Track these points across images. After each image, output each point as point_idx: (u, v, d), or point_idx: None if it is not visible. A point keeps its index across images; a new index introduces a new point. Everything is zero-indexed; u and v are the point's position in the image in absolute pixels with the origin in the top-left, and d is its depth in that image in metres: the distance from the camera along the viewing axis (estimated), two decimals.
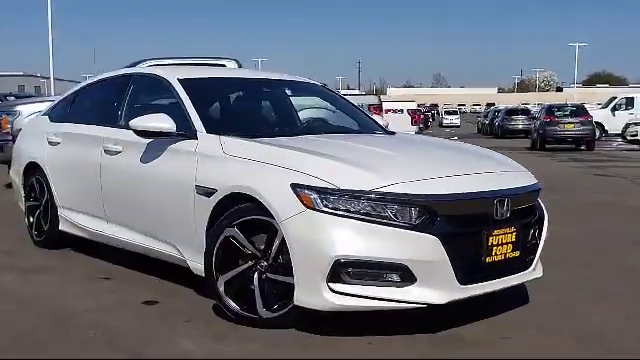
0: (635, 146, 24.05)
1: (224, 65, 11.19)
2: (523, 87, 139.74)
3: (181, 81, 5.06)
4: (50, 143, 6.11)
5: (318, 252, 3.70)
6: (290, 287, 3.89)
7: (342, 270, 3.69)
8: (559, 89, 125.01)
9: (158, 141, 4.77)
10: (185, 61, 11.12)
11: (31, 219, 6.48)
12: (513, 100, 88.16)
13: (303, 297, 3.79)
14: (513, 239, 4.05)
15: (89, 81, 6.29)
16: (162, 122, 4.66)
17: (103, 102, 5.93)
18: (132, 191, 5.05)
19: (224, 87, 5.53)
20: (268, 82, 5.80)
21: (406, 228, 3.69)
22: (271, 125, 5.41)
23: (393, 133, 5.53)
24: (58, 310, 4.49)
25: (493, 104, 73.84)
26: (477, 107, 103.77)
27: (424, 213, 3.74)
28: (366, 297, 3.70)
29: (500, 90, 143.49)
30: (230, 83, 5.61)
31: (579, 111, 25.68)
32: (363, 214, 3.70)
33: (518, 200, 4.16)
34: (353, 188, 3.74)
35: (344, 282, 3.71)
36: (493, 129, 37.82)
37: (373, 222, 3.69)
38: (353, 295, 3.70)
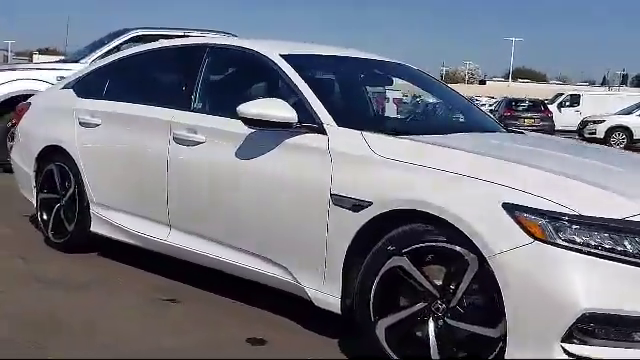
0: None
1: None
2: (449, 79, 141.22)
3: (286, 58, 4.00)
4: (82, 124, 4.91)
5: (554, 302, 2.75)
6: (479, 339, 2.96)
7: (584, 327, 2.76)
8: (482, 82, 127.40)
9: (265, 133, 3.71)
10: (177, 33, 9.93)
11: (45, 215, 5.26)
12: None
13: (519, 357, 2.85)
14: None
15: (135, 50, 5.07)
16: (282, 110, 3.61)
17: (163, 78, 4.80)
18: (221, 194, 3.96)
19: (338, 68, 4.49)
20: (380, 64, 4.75)
21: None
22: (405, 118, 4.40)
23: (517, 132, 4.63)
24: (133, 353, 3.39)
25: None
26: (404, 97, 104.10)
27: None
28: None
29: None
30: (344, 63, 4.56)
31: (539, 107, 25.66)
32: (613, 251, 2.77)
33: None
34: (601, 215, 2.81)
35: (582, 342, 2.78)
36: None
37: (628, 263, 2.77)
38: None
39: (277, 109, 3.61)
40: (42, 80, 9.14)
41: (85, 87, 5.17)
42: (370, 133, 3.49)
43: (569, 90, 37.34)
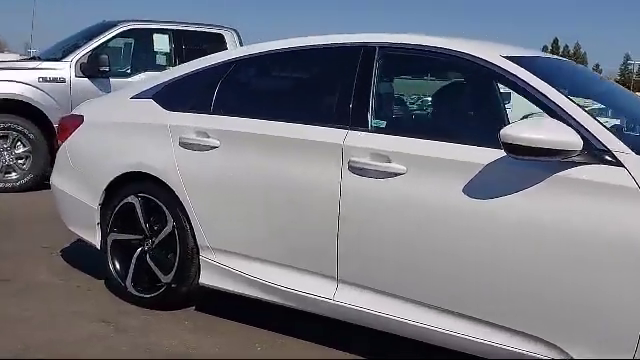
0: None
1: (221, 35, 8.93)
2: None
3: (517, 61, 3.06)
4: (185, 145, 3.77)
5: None
6: None
7: None
8: None
9: (518, 163, 2.77)
10: (173, 27, 8.74)
11: (119, 263, 4.09)
12: None
13: None
14: None
15: (255, 50, 3.89)
16: (563, 133, 2.67)
17: (313, 87, 3.73)
18: (443, 242, 2.97)
19: (570, 75, 3.56)
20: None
21: None
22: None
23: None
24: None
25: None
26: None
27: None
28: None
29: None
30: (567, 69, 3.63)
31: None
32: None
33: None
34: None
35: None
36: None
37: None
38: None
39: (557, 132, 2.66)
40: (23, 82, 7.77)
41: (176, 97, 4.01)
42: None
43: None
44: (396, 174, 3.06)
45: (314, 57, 3.65)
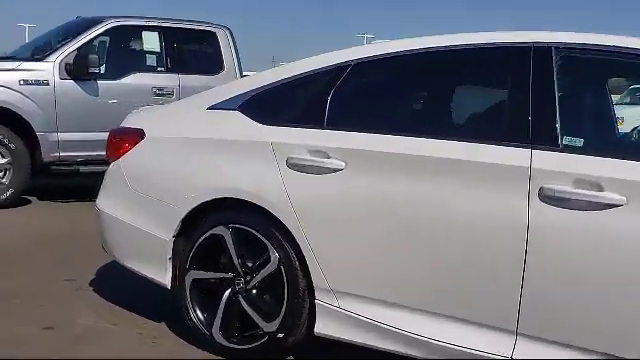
0: None
1: (213, 33, 8.23)
2: None
3: None
4: (295, 167, 3.12)
5: None
6: None
7: None
8: None
9: None
10: (163, 24, 8.00)
11: (200, 307, 3.41)
12: None
13: None
14: None
15: (378, 51, 3.20)
16: None
17: (462, 96, 3.15)
18: None
19: None
20: None
21: None
22: None
23: None
24: None
25: None
26: None
27: None
28: None
29: None
30: None
31: None
32: None
33: None
34: None
35: None
36: None
37: None
38: None
39: None
40: (2, 86, 6.87)
41: (272, 109, 3.35)
42: None
43: None
44: (611, 205, 2.51)
45: (463, 59, 3.05)
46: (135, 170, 3.64)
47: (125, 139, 3.71)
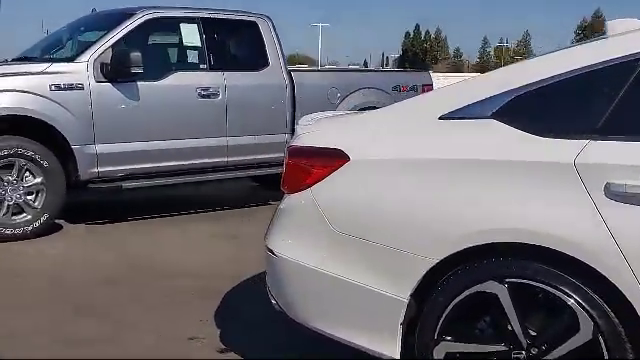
0: None
1: (255, 23, 7.21)
2: None
3: None
4: (625, 198, 2.21)
5: None
6: None
7: None
8: None
9: None
10: (200, 14, 6.94)
11: None
12: None
13: None
14: None
15: None
16: None
17: None
18: None
19: None
20: None
21: None
22: None
23: None
24: None
25: None
26: None
27: None
28: None
29: None
30: None
31: None
32: None
33: None
34: None
35: None
36: None
37: None
38: None
39: None
40: (30, 92, 5.76)
41: (553, 115, 2.45)
42: None
43: None
44: None
45: None
46: (340, 205, 2.68)
47: (317, 164, 2.75)
